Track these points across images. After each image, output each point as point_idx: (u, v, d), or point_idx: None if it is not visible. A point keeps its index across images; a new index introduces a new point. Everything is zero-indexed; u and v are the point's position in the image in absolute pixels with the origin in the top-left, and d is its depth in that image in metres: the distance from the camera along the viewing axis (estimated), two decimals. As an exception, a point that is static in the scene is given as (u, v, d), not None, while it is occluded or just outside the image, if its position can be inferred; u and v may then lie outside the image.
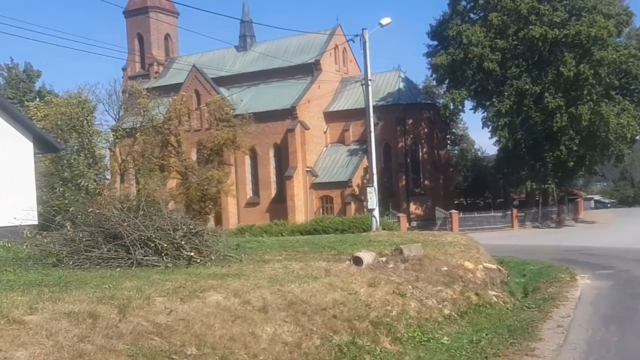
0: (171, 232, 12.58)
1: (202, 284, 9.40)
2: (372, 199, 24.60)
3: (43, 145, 25.14)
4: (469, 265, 15.68)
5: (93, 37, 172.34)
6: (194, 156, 55.97)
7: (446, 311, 12.45)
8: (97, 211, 12.97)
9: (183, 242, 12.53)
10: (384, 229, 27.48)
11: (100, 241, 12.23)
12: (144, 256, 12.12)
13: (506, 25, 48.05)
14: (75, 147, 51.93)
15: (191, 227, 13.31)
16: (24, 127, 23.79)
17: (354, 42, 24.22)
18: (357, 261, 13.41)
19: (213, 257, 12.82)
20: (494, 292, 14.88)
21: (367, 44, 24.57)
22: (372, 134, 24.77)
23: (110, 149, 56.74)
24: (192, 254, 12.32)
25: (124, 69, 78.31)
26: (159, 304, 7.74)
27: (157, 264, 11.93)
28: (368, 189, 25.01)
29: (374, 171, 25.10)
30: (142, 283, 9.17)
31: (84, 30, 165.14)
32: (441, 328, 11.44)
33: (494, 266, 16.28)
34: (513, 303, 14.86)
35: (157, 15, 76.84)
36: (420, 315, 11.62)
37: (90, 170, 51.07)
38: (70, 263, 11.91)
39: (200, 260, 12.61)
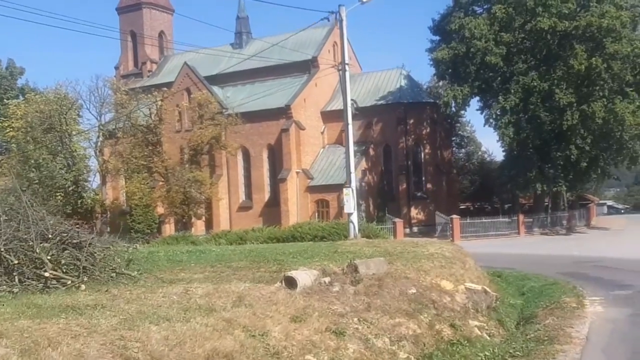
0: (32, 243, 9.28)
1: (-1, 327, 6.09)
2: (349, 201, 21.23)
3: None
4: (447, 285, 12.30)
5: (86, 35, 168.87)
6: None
7: (402, 355, 9.07)
8: None
9: (48, 258, 9.23)
10: (368, 237, 24.16)
11: None
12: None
13: (511, 17, 44.49)
14: (57, 147, 49.13)
15: (68, 235, 10.00)
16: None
17: (329, 20, 20.93)
18: (290, 283, 10.09)
19: (86, 278, 9.50)
20: (476, 322, 11.49)
21: (344, 23, 21.20)
22: (350, 126, 21.42)
23: (99, 149, 53.92)
24: (47, 274, 9.02)
25: (116, 68, 75.53)
26: None
27: (-6, 288, 8.65)
28: (344, 190, 21.63)
29: (352, 169, 21.71)
30: None
31: (76, 27, 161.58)
32: (388, 384, 8.08)
33: (479, 287, 12.78)
34: (501, 336, 11.41)
35: (151, 12, 74.10)
36: (360, 365, 8.26)
37: (70, 172, 48.28)
38: None
39: (71, 282, 9.31)
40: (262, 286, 9.94)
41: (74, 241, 10.11)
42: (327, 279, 10.56)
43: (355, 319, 9.33)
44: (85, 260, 9.91)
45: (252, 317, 8.18)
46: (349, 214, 21.64)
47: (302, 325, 8.44)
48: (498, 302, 13.21)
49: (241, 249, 18.50)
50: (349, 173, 21.97)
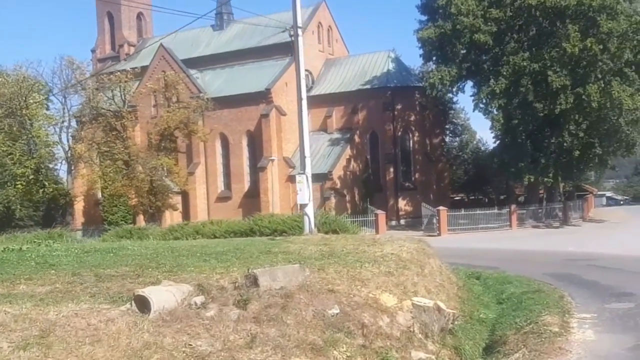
0: None
1: None
2: (303, 190, 18.11)
3: None
4: (389, 300, 9.19)
5: (61, 17, 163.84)
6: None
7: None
8: None
9: None
10: (335, 232, 21.02)
11: None
12: None
13: (501, -8, 41.15)
14: (18, 132, 46.00)
15: None
16: None
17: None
18: (142, 305, 6.97)
19: None
20: (422, 354, 8.36)
21: (296, -19, 18.08)
22: (304, 101, 18.24)
23: (67, 135, 50.70)
24: None
25: (93, 51, 72.34)
26: None
27: None
28: (297, 178, 18.45)
29: (307, 153, 18.50)
30: None
31: (52, 8, 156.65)
32: None
33: (430, 302, 9.55)
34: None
35: (129, -8, 70.62)
36: None
37: (31, 159, 45.14)
38: None
39: None
40: (102, 309, 6.84)
41: None
42: (199, 299, 7.41)
43: (223, 364, 6.23)
44: None
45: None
46: (303, 206, 18.53)
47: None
48: (457, 322, 10.02)
49: (167, 247, 15.36)
50: (302, 157, 18.83)
